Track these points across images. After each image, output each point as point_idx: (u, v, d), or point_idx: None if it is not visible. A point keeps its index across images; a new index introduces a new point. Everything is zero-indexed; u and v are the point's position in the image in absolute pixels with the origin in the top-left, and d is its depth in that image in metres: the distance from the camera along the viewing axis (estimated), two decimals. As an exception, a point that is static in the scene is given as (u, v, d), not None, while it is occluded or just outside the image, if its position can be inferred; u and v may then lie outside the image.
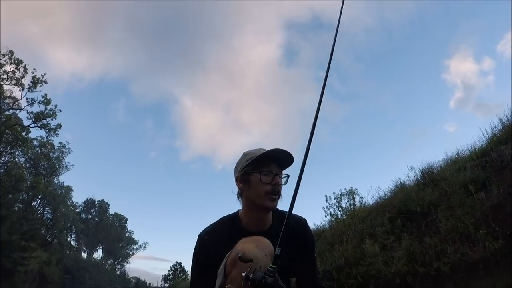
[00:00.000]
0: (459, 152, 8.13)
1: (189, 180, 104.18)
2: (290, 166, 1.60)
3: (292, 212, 1.35)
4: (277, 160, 1.54)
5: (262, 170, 1.51)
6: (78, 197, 51.89)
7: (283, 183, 1.56)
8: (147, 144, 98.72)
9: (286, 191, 1.56)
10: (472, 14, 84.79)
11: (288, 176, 1.58)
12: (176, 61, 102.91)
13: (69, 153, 37.05)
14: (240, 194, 1.59)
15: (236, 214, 1.62)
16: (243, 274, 1.15)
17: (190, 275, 1.56)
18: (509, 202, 5.29)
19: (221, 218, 1.63)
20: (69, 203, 42.12)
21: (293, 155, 1.55)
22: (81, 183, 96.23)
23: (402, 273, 5.69)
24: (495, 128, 7.31)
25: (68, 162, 38.09)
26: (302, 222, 1.68)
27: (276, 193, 1.52)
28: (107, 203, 55.12)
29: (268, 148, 1.55)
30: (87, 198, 52.89)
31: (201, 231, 1.60)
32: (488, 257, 4.78)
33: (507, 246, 4.71)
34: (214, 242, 1.51)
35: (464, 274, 5.00)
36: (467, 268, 4.97)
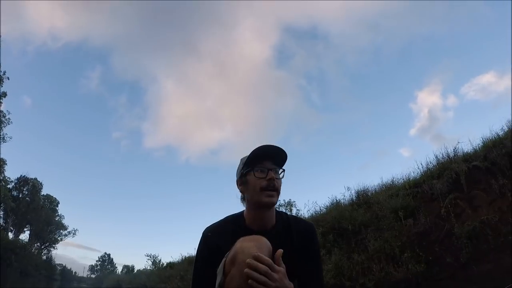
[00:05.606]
0: (394, 179, 8.59)
1: (148, 168, 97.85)
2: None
3: (299, 217, 1.43)
4: (270, 157, 1.57)
5: (255, 167, 1.54)
6: (11, 172, 48.11)
7: (280, 178, 1.58)
8: (113, 122, 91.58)
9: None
10: (454, 54, 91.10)
11: (284, 170, 1.60)
12: (166, 40, 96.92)
13: (9, 123, 33.75)
14: (243, 197, 1.63)
15: (241, 213, 1.65)
16: None
17: (193, 271, 1.57)
18: (434, 231, 5.70)
19: (226, 217, 1.66)
20: (1, 178, 39.13)
21: (285, 151, 1.56)
22: (16, 156, 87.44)
23: (330, 285, 5.92)
24: (430, 163, 7.82)
25: (6, 134, 34.61)
26: (309, 226, 1.70)
27: (272, 188, 1.52)
28: (40, 183, 51.55)
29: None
30: (21, 175, 49.08)
31: (205, 227, 1.62)
32: (410, 278, 5.11)
33: (429, 270, 5.07)
34: (218, 239, 1.53)
35: (387, 292, 5.31)
36: (390, 286, 5.27)
